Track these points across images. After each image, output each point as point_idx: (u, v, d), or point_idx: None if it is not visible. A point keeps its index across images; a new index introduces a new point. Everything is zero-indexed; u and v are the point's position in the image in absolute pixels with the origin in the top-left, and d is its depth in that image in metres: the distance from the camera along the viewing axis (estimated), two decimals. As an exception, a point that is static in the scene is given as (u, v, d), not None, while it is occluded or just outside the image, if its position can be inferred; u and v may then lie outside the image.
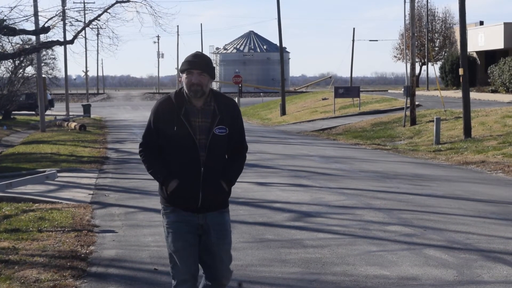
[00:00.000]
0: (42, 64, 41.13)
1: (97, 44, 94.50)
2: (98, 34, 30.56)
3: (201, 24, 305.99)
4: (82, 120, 40.52)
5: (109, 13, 23.69)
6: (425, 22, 52.99)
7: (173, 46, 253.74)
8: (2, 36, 24.49)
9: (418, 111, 30.71)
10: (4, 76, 45.87)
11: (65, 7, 25.55)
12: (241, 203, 11.11)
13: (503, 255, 7.73)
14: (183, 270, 4.88)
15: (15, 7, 20.22)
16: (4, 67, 45.25)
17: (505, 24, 43.98)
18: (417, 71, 56.09)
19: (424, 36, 53.98)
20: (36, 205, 11.27)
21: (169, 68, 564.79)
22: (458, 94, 35.26)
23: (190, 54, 4.97)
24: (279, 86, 59.57)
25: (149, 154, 4.96)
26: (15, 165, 17.63)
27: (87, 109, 47.54)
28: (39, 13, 25.52)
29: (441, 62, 55.51)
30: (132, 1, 23.75)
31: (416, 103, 31.22)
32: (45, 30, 22.06)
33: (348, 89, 41.83)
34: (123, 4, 24.04)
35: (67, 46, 29.76)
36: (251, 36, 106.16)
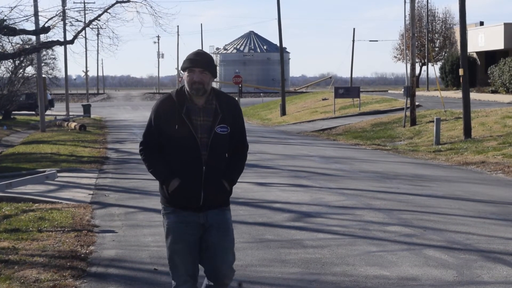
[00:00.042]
0: (42, 64, 41.12)
1: (97, 44, 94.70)
2: (98, 34, 30.65)
3: (201, 24, 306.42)
4: (82, 120, 40.53)
5: (109, 13, 23.70)
6: (425, 23, 53.01)
7: (173, 46, 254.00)
8: (2, 36, 24.49)
9: (418, 112, 30.71)
10: (4, 76, 45.87)
11: (65, 7, 25.57)
12: (241, 203, 11.11)
13: (503, 256, 7.73)
14: (183, 271, 4.87)
15: (15, 7, 20.24)
16: (4, 67, 45.29)
17: (505, 24, 43.98)
18: (417, 71, 56.07)
19: (424, 37, 54.00)
20: (36, 205, 11.27)
21: (169, 68, 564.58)
22: (458, 94, 35.26)
23: (192, 52, 4.94)
24: (279, 86, 59.57)
25: (150, 153, 4.93)
26: (15, 165, 17.63)
27: (87, 109, 47.54)
28: (39, 13, 25.54)
29: (441, 63, 55.51)
30: (132, 1, 23.76)
31: (416, 103, 31.22)
32: (45, 30, 22.06)
33: (348, 89, 41.84)
34: (123, 4, 24.05)
35: (67, 46, 29.85)
36: (251, 36, 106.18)
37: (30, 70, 47.16)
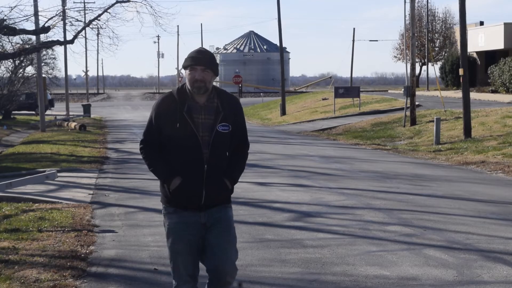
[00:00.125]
0: (42, 64, 41.13)
1: (97, 44, 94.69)
2: (98, 34, 30.67)
3: (201, 24, 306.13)
4: (82, 120, 40.53)
5: (109, 13, 23.74)
6: (425, 22, 53.01)
7: (173, 46, 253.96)
8: (2, 36, 24.48)
9: (418, 111, 30.71)
10: (4, 76, 45.89)
11: (65, 7, 25.61)
12: (241, 203, 11.11)
13: (503, 255, 7.73)
14: (184, 271, 4.85)
15: (15, 7, 20.26)
16: (4, 67, 45.31)
17: (505, 24, 43.97)
18: (417, 71, 56.08)
19: (424, 36, 54.00)
20: (36, 205, 11.26)
21: (169, 68, 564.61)
22: (458, 94, 35.25)
23: (194, 50, 4.90)
24: (279, 86, 59.56)
25: (151, 152, 4.89)
26: (15, 165, 17.63)
27: (87, 109, 47.55)
28: (39, 13, 25.57)
29: (441, 62, 55.50)
30: (132, 1, 23.78)
31: (416, 103, 31.22)
32: (45, 30, 22.07)
33: (348, 89, 41.84)
34: (123, 4, 24.07)
35: (67, 46, 29.85)
36: (251, 36, 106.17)
37: (30, 70, 47.24)
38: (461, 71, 23.16)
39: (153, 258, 7.74)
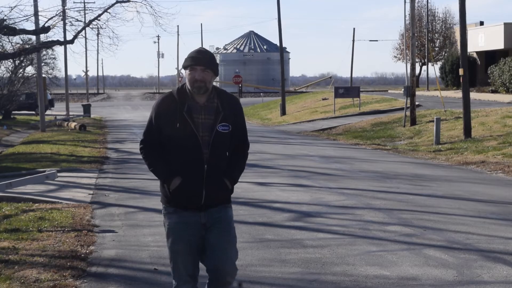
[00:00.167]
0: (42, 64, 41.13)
1: (97, 44, 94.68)
2: (98, 34, 30.67)
3: (201, 24, 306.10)
4: (82, 120, 40.53)
5: (109, 13, 23.74)
6: (425, 22, 53.02)
7: (173, 46, 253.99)
8: (2, 36, 24.48)
9: (418, 111, 30.71)
10: (4, 76, 45.89)
11: (65, 7, 25.60)
12: (241, 203, 11.10)
13: (503, 255, 7.73)
14: (184, 271, 4.84)
15: (15, 7, 20.26)
16: (4, 67, 45.31)
17: (505, 24, 43.98)
18: (417, 71, 56.08)
19: (424, 36, 54.00)
20: (36, 205, 11.26)
21: (169, 68, 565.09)
22: (458, 94, 35.25)
23: (194, 50, 4.88)
24: (279, 86, 59.55)
25: (151, 152, 4.89)
26: (15, 165, 17.63)
27: (87, 109, 47.55)
28: (39, 13, 25.57)
29: (441, 62, 55.52)
30: (132, 1, 23.78)
31: (416, 103, 31.23)
32: (45, 30, 22.07)
33: (348, 89, 41.85)
34: (123, 4, 24.07)
35: (67, 46, 29.86)
36: (251, 36, 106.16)
37: (30, 70, 47.25)
38: (461, 71, 23.16)
39: (153, 258, 7.74)
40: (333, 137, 28.32)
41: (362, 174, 15.40)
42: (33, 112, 49.69)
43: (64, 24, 27.69)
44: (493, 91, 41.56)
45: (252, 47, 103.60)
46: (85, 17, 28.78)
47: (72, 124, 34.69)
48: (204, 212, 4.82)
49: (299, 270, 7.22)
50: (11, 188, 11.45)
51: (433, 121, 24.36)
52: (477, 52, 47.94)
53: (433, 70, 39.22)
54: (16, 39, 29.17)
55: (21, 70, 46.78)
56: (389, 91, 62.19)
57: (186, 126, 4.73)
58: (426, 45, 52.41)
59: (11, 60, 42.79)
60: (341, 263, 7.44)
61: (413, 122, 28.28)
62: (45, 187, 13.26)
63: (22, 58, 41.16)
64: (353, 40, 72.43)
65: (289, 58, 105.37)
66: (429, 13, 56.26)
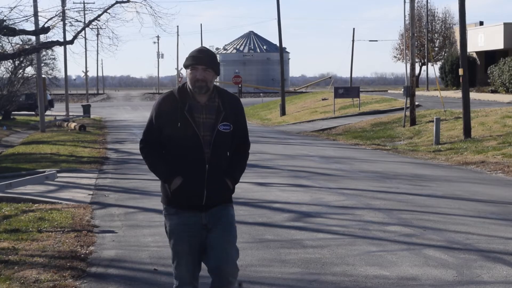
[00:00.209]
0: (42, 64, 41.12)
1: (97, 44, 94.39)
2: (98, 34, 30.62)
3: (201, 24, 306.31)
4: (82, 121, 40.52)
5: (109, 13, 23.73)
6: (425, 22, 53.03)
7: (173, 46, 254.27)
8: (2, 36, 24.48)
9: (418, 111, 30.72)
10: (4, 76, 45.89)
11: (65, 7, 25.59)
12: (241, 203, 11.10)
13: (503, 255, 7.73)
14: (185, 272, 4.83)
15: (15, 7, 20.26)
16: (4, 67, 45.31)
17: (505, 24, 43.98)
18: (417, 71, 56.09)
19: (424, 36, 54.01)
20: (35, 205, 11.26)
21: (169, 68, 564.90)
22: (458, 94, 35.26)
23: (195, 49, 4.85)
24: (279, 86, 59.56)
25: (151, 151, 4.85)
26: (15, 166, 17.62)
27: (87, 109, 47.55)
28: (39, 13, 25.55)
29: (441, 63, 55.53)
30: (132, 1, 23.80)
31: (416, 103, 31.23)
32: (45, 30, 22.07)
33: (348, 89, 41.85)
34: (123, 4, 24.08)
35: (67, 46, 29.74)
36: (251, 36, 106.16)
37: (29, 71, 47.22)
38: (460, 71, 23.17)
39: (153, 259, 7.74)
40: (333, 137, 28.32)
41: (362, 174, 15.40)
42: (33, 113, 49.68)
43: (64, 24, 27.65)
44: (492, 91, 41.57)
45: (252, 47, 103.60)
46: (84, 17, 28.78)
47: (72, 125, 34.69)
48: (205, 212, 4.80)
49: (299, 270, 7.22)
50: (11, 188, 11.45)
51: (432, 121, 24.37)
52: (477, 52, 47.95)
53: (433, 70, 39.29)
54: (16, 39, 29.17)
55: (20, 71, 46.78)
56: (389, 91, 62.21)
57: (187, 125, 4.70)
58: (425, 45, 52.42)
59: (11, 61, 42.78)
60: (341, 263, 7.44)
61: (413, 122, 28.28)
62: (45, 188, 13.26)
63: (21, 59, 41.16)
64: (353, 40, 72.50)
65: (289, 58, 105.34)
66: (428, 13, 56.28)
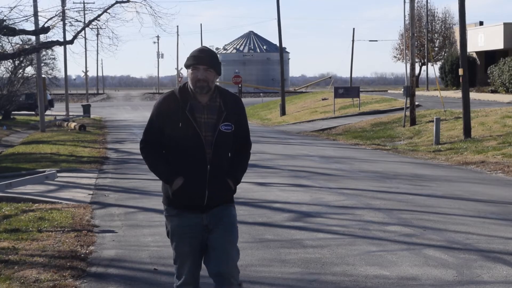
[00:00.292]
0: (42, 64, 41.12)
1: (97, 44, 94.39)
2: (98, 34, 30.62)
3: (201, 24, 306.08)
4: (82, 120, 40.53)
5: (109, 13, 23.73)
6: (424, 22, 53.04)
7: (173, 46, 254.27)
8: (2, 36, 24.48)
9: (418, 111, 30.72)
10: (4, 76, 45.89)
11: (65, 7, 25.56)
12: (241, 203, 11.09)
13: (503, 255, 7.73)
14: (187, 273, 4.83)
15: (15, 7, 20.25)
16: (4, 67, 45.31)
17: (505, 24, 43.99)
18: (417, 71, 56.11)
19: (424, 36, 54.01)
20: (35, 205, 11.26)
21: (169, 68, 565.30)
22: (458, 94, 35.26)
23: (196, 49, 4.82)
24: (279, 86, 59.56)
25: (152, 151, 4.82)
26: (15, 165, 17.62)
27: (86, 109, 47.56)
28: (39, 13, 25.54)
29: (440, 63, 55.53)
30: (132, 1, 23.79)
31: (416, 103, 31.23)
32: (45, 30, 22.06)
33: (348, 89, 41.85)
34: (122, 4, 24.07)
35: (67, 46, 29.73)
36: (251, 36, 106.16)
37: (29, 70, 47.22)
38: (460, 71, 23.17)
39: (153, 258, 7.73)
40: (333, 137, 28.32)
41: (362, 174, 15.40)
42: (33, 113, 49.68)
43: (64, 24, 27.64)
44: (492, 91, 41.57)
45: (252, 47, 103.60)
46: (84, 17, 28.77)
47: (72, 125, 34.69)
48: (206, 213, 4.78)
49: (299, 270, 7.22)
50: (11, 188, 11.45)
51: (432, 121, 24.37)
52: (477, 52, 47.95)
53: (433, 70, 39.33)
54: (16, 39, 29.21)
55: (20, 71, 46.77)
56: (389, 91, 62.22)
57: (189, 125, 4.68)
58: (425, 45, 52.43)
59: (11, 61, 42.78)
60: (341, 263, 7.44)
61: (413, 122, 28.28)
62: (45, 187, 13.26)
63: (21, 59, 41.15)
64: (353, 40, 72.49)
65: (289, 58, 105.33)
66: (428, 13, 56.28)
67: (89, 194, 12.66)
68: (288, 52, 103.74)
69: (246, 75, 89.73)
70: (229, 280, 4.75)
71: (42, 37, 25.58)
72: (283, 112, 44.29)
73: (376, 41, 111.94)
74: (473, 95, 33.78)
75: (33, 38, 30.50)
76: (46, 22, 21.87)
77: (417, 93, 34.94)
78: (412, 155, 20.49)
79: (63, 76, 51.15)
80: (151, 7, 26.10)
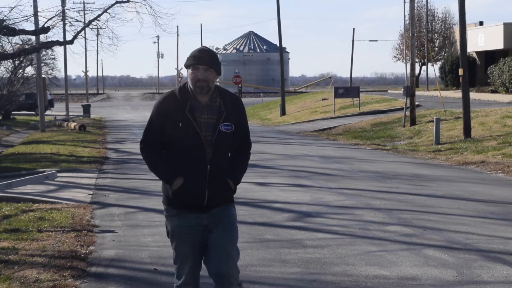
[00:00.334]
0: (42, 64, 41.12)
1: (97, 44, 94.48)
2: (98, 34, 30.62)
3: (201, 24, 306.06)
4: (82, 120, 40.53)
5: (109, 13, 23.73)
6: (424, 22, 53.04)
7: (173, 46, 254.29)
8: (2, 36, 24.48)
9: (418, 111, 30.72)
10: (4, 76, 45.89)
11: (65, 7, 25.56)
12: (241, 203, 11.09)
13: (503, 255, 7.73)
14: (187, 273, 4.83)
15: (15, 7, 20.25)
16: (4, 67, 45.31)
17: (505, 24, 43.99)
18: (417, 71, 56.10)
19: (424, 36, 54.01)
20: (36, 205, 11.26)
21: (169, 68, 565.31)
22: (458, 94, 35.26)
23: (196, 49, 4.82)
24: (279, 86, 59.56)
25: (152, 151, 4.82)
26: (15, 165, 17.62)
27: (86, 109, 47.56)
28: (39, 13, 25.54)
29: (440, 62, 55.54)
30: (132, 1, 23.79)
31: (416, 103, 31.23)
32: (45, 30, 22.07)
33: (348, 89, 41.85)
34: (122, 4, 24.08)
35: (67, 46, 29.74)
36: (251, 36, 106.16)
37: (29, 70, 47.23)
38: (460, 71, 23.17)
39: (153, 258, 7.73)
40: (333, 137, 28.32)
41: (362, 174, 15.40)
42: (33, 113, 49.69)
43: (64, 24, 27.64)
44: (492, 91, 41.57)
45: (252, 47, 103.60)
46: (84, 17, 28.77)
47: (72, 125, 34.69)
48: (206, 213, 4.78)
49: (299, 270, 7.22)
50: (11, 188, 11.45)
51: (432, 121, 24.37)
52: (477, 52, 47.96)
53: (433, 70, 39.35)
54: (16, 39, 29.21)
55: (20, 71, 46.78)
56: (389, 91, 62.22)
57: (189, 125, 4.67)
58: (425, 45, 52.43)
59: (11, 61, 42.78)
60: (341, 263, 7.44)
61: (413, 122, 28.28)
62: (45, 187, 13.26)
63: (21, 59, 41.16)
64: (353, 40, 72.49)
65: (289, 58, 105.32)
66: (428, 13, 56.28)
67: (89, 194, 12.66)
68: (288, 52, 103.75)
69: (246, 75, 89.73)
70: (229, 280, 4.75)
71: (42, 37, 25.59)
72: (283, 112, 44.29)
73: (376, 41, 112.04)
74: (473, 95, 33.78)
75: (33, 38, 30.51)
76: (46, 22, 21.90)
77: (417, 93, 34.94)
78: (412, 155, 20.49)
79: (63, 76, 51.20)
80: (151, 7, 26.13)
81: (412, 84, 29.01)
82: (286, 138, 27.76)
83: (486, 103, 33.53)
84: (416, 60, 56.03)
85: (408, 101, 28.96)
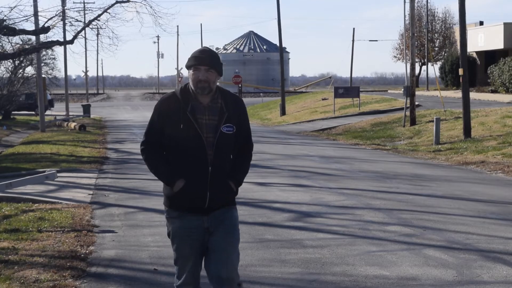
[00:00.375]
0: (42, 64, 41.12)
1: (97, 44, 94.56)
2: (98, 34, 30.60)
3: (201, 24, 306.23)
4: (82, 120, 40.53)
5: (109, 13, 23.75)
6: (425, 22, 53.03)
7: (173, 46, 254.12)
8: (2, 36, 24.48)
9: (418, 111, 30.72)
10: (4, 76, 45.89)
11: (65, 7, 25.57)
12: (241, 203, 11.05)
13: (502, 255, 7.73)
14: (187, 274, 4.82)
15: (15, 7, 20.25)
16: (4, 67, 45.31)
17: (505, 24, 43.99)
18: (417, 71, 56.09)
19: (424, 36, 54.01)
20: (35, 205, 11.26)
21: (169, 68, 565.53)
22: (458, 94, 35.26)
23: (197, 49, 4.79)
24: (279, 86, 59.56)
25: (152, 153, 4.79)
26: (15, 165, 17.62)
27: (87, 109, 47.55)
28: (39, 13, 25.55)
29: (441, 62, 55.54)
30: (132, 1, 23.80)
31: (416, 103, 31.23)
32: (45, 30, 22.07)
33: (348, 89, 41.85)
34: (123, 4, 24.08)
35: (67, 46, 29.76)
36: (251, 36, 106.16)
37: (29, 70, 47.23)
38: (460, 71, 23.17)
39: (153, 258, 7.73)
40: (333, 137, 28.32)
41: (362, 174, 15.40)
42: (33, 113, 49.68)
43: (64, 24, 27.67)
44: (492, 91, 41.57)
45: (252, 47, 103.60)
46: (84, 17, 28.79)
47: (72, 124, 34.69)
48: (207, 216, 4.75)
49: (299, 270, 7.22)
50: (11, 188, 11.45)
51: (432, 121, 24.37)
52: (477, 52, 47.96)
53: (433, 70, 39.31)
54: (16, 39, 29.23)
55: (20, 71, 46.78)
56: (389, 91, 62.22)
57: (190, 126, 4.64)
58: (425, 45, 52.43)
59: (11, 61, 42.79)
60: (341, 263, 7.44)
61: (413, 122, 28.28)
62: (45, 187, 13.26)
63: (21, 59, 41.16)
64: (353, 40, 72.48)
65: (289, 58, 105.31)
66: (428, 13, 56.29)
67: (89, 194, 12.66)
68: (288, 52, 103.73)
69: (246, 75, 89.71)
70: (228, 283, 4.73)
71: (42, 37, 25.59)
72: (283, 112, 44.29)
73: (376, 41, 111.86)
74: (473, 95, 33.78)
75: (33, 38, 30.51)
76: (46, 22, 21.90)
77: (417, 93, 34.94)
78: (412, 155, 20.49)
79: (63, 76, 51.20)
80: (151, 7, 26.09)
81: (412, 84, 29.01)
82: (286, 138, 27.76)
83: (486, 103, 33.53)
84: (416, 60, 56.03)
85: (408, 101, 28.96)
